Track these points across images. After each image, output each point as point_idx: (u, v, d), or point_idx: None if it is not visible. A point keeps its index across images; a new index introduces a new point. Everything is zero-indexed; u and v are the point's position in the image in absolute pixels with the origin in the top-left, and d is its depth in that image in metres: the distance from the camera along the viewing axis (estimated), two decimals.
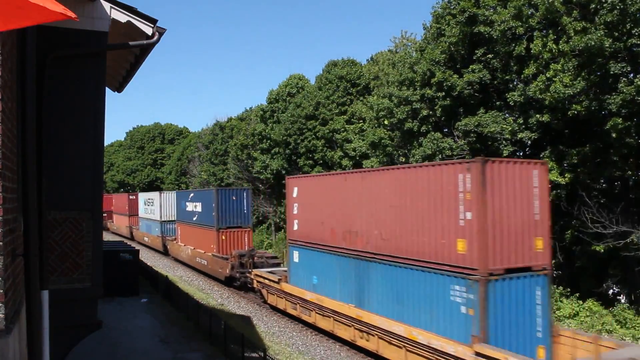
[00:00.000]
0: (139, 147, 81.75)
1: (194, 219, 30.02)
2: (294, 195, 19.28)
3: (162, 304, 21.43)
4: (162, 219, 38.81)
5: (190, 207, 30.86)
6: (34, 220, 5.15)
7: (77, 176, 6.90)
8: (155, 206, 40.35)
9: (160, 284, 24.47)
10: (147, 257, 37.22)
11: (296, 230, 19.13)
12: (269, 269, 22.53)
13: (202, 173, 56.57)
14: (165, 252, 38.66)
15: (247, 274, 23.67)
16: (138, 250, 24.24)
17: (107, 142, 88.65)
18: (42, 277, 5.74)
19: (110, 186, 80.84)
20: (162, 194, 39.69)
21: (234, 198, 26.73)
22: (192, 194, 31.55)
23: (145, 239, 44.46)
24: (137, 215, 47.64)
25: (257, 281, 22.03)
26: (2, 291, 3.83)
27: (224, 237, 26.25)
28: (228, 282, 25.40)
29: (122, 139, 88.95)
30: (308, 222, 18.21)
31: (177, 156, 72.19)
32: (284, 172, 38.53)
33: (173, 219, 37.26)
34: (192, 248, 30.22)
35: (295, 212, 19.23)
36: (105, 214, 58.38)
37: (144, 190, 73.22)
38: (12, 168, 4.48)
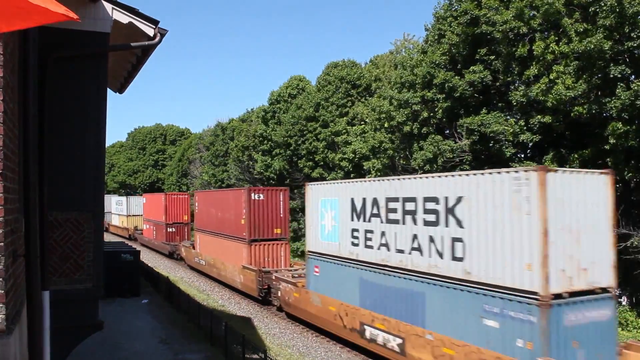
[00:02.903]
0: (140, 148, 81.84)
1: None
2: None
3: (163, 305, 21.44)
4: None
5: None
6: (35, 221, 5.14)
7: (78, 177, 6.89)
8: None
9: (161, 284, 24.48)
10: None
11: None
12: None
13: (204, 174, 56.51)
14: None
15: None
16: (139, 251, 24.22)
17: (108, 143, 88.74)
18: (43, 278, 5.74)
19: (111, 187, 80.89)
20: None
21: None
22: None
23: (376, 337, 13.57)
24: (304, 238, 21.52)
25: None
26: (3, 292, 3.84)
27: None
28: None
29: (124, 140, 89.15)
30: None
31: (178, 157, 72.20)
32: (285, 173, 38.54)
33: None
34: None
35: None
36: (172, 229, 36.04)
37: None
38: (14, 169, 4.49)
